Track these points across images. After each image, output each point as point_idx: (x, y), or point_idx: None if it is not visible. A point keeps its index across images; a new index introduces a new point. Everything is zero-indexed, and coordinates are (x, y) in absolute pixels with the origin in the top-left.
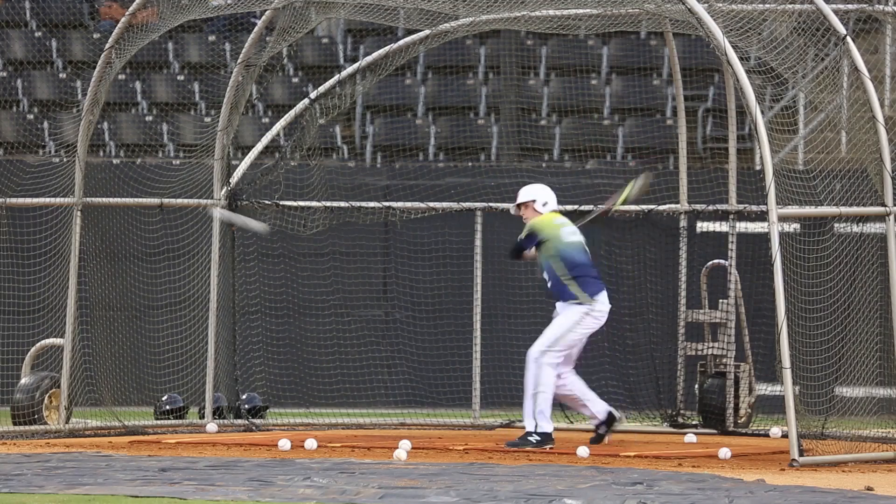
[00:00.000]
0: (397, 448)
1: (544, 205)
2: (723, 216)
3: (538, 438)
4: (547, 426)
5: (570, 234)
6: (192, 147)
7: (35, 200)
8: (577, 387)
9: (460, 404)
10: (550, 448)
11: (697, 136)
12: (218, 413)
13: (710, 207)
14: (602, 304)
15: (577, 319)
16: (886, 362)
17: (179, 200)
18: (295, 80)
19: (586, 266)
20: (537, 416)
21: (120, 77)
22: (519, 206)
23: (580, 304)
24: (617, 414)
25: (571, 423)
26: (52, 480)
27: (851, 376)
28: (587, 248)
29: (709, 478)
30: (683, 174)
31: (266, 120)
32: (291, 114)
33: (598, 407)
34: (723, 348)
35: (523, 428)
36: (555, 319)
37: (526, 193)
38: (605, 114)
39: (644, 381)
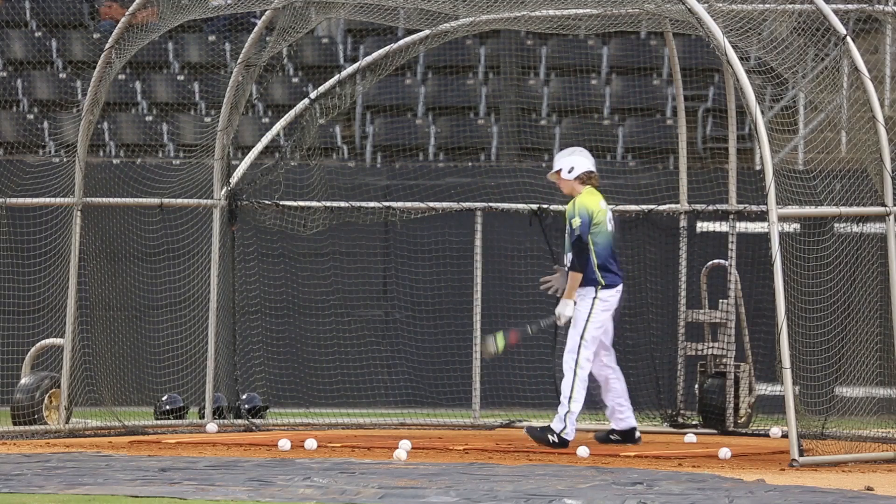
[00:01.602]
0: (397, 448)
1: (570, 171)
2: (723, 216)
3: (556, 441)
4: (571, 434)
5: (609, 222)
6: (192, 147)
7: (35, 200)
8: (619, 385)
9: (460, 404)
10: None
11: (697, 136)
12: (218, 413)
13: (710, 207)
14: (612, 291)
15: (590, 306)
16: (886, 362)
17: (179, 200)
18: (295, 80)
19: (616, 265)
20: (567, 417)
21: (120, 77)
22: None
23: (593, 290)
24: (637, 435)
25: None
26: (52, 480)
27: (851, 376)
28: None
29: (709, 478)
30: (683, 174)
31: (266, 120)
32: (291, 114)
33: (626, 416)
34: (723, 348)
35: (524, 428)
36: (573, 318)
37: (555, 162)
38: (605, 114)
39: (644, 381)
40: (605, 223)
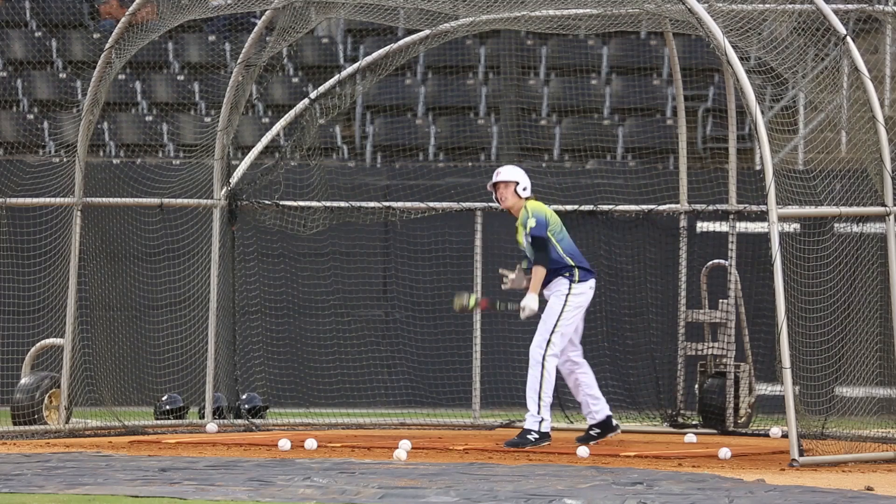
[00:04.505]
0: (397, 448)
1: (524, 189)
2: (723, 216)
3: (537, 437)
4: (546, 426)
5: (562, 225)
6: (192, 147)
7: (35, 200)
8: (587, 379)
9: (460, 404)
10: (547, 445)
11: (697, 136)
12: (218, 413)
13: (710, 207)
14: (585, 286)
15: (563, 302)
16: (886, 362)
17: (179, 200)
18: (295, 80)
19: (584, 259)
20: (541, 412)
21: (120, 77)
22: (496, 184)
23: (567, 285)
24: (615, 422)
25: (571, 422)
26: (52, 480)
27: (851, 376)
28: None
29: (709, 478)
30: (683, 174)
31: (266, 120)
32: (291, 114)
33: (599, 407)
34: (723, 348)
35: (522, 427)
36: (544, 312)
37: (509, 173)
38: (605, 114)
39: (644, 381)
40: (560, 224)
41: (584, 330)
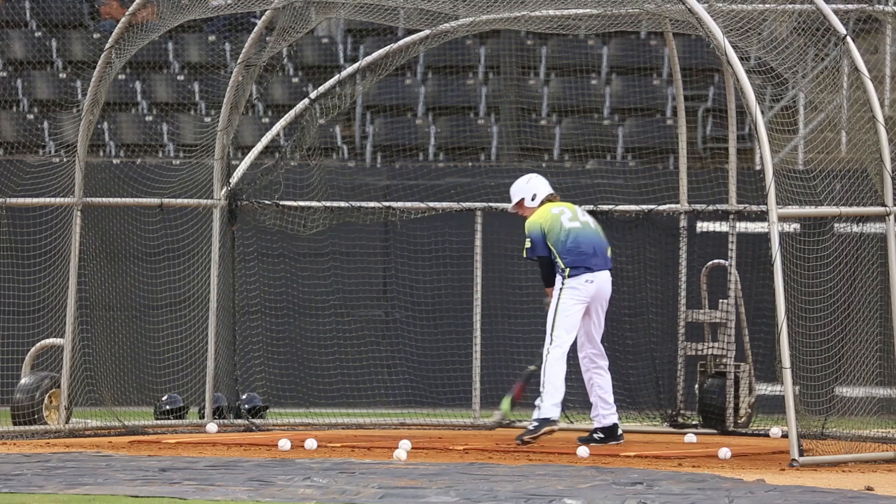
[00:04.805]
0: (397, 448)
1: (533, 198)
2: (723, 216)
3: (536, 423)
4: (548, 412)
5: (570, 221)
6: (192, 147)
7: (35, 200)
8: (602, 382)
9: (460, 404)
10: (549, 429)
11: (697, 136)
12: (218, 413)
13: (710, 207)
14: (578, 281)
15: (557, 297)
16: (886, 362)
17: (179, 200)
18: (295, 80)
19: (586, 255)
20: (543, 401)
21: (120, 77)
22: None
23: (560, 281)
24: (620, 431)
25: (571, 422)
26: (52, 480)
27: (851, 376)
28: (598, 231)
29: (709, 478)
30: (683, 174)
31: (266, 120)
32: (291, 114)
33: (608, 413)
34: (723, 348)
35: (523, 428)
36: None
37: (513, 194)
38: (605, 114)
39: (644, 381)
40: (562, 223)
41: None
